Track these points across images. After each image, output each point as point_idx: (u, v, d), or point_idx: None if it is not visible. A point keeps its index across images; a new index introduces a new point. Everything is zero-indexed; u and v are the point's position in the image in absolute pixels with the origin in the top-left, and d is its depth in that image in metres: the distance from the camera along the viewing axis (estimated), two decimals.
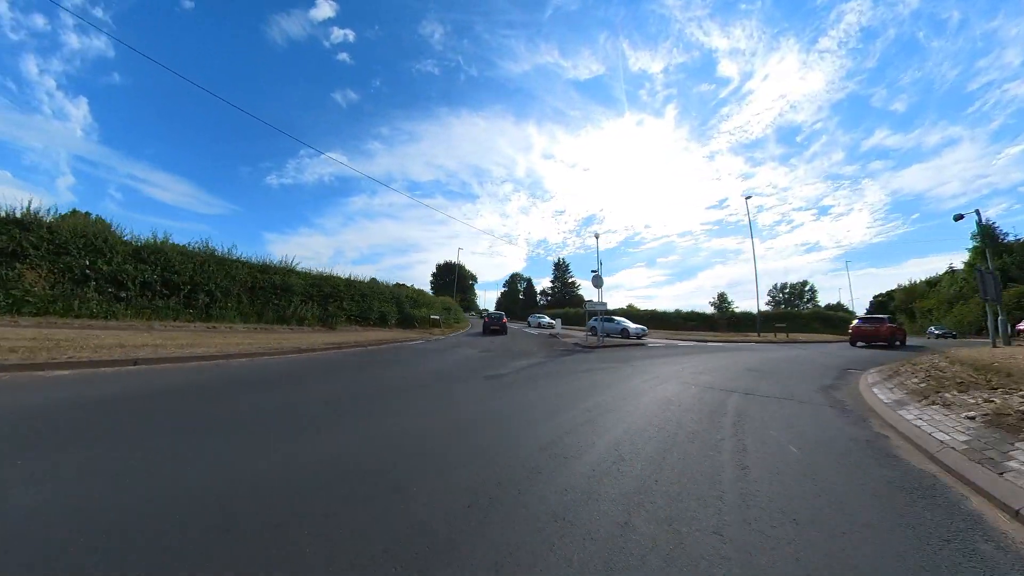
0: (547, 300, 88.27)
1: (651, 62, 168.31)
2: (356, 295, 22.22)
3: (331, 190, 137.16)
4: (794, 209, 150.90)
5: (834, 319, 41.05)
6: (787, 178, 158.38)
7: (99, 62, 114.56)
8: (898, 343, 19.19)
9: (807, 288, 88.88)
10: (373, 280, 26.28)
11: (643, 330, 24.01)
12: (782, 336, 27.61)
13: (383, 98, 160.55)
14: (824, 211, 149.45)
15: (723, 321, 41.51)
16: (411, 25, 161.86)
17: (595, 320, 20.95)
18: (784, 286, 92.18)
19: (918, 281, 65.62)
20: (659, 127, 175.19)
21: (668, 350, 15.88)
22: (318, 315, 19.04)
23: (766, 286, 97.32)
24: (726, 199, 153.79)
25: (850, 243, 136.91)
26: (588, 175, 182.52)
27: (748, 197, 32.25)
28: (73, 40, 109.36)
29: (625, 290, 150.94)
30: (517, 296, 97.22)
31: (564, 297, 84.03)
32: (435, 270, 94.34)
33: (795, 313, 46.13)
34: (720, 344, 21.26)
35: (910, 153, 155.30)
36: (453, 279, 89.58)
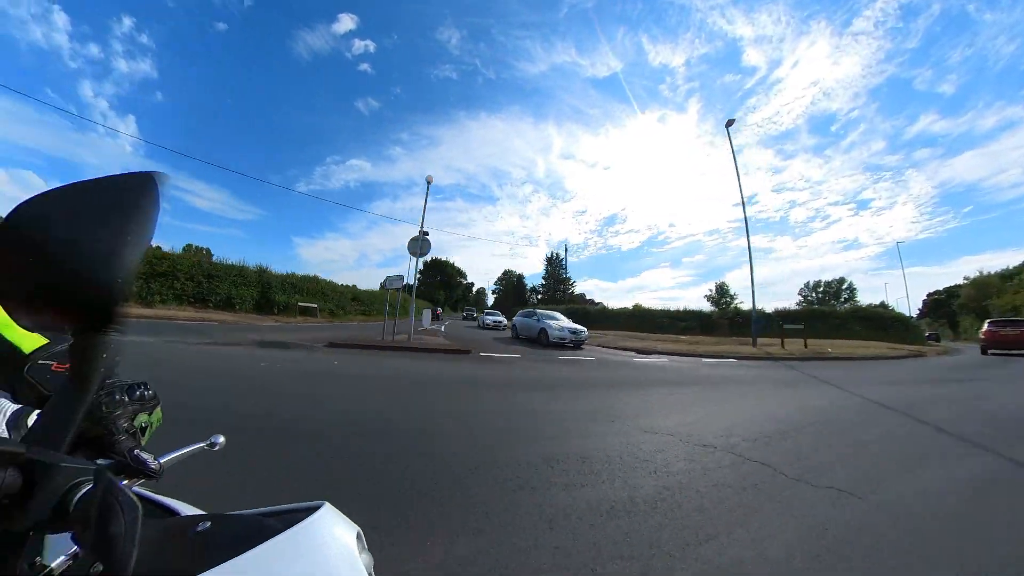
0: (538, 297, 79.62)
1: (672, 55, 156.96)
2: (198, 276, 21.41)
3: (356, 195, 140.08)
4: (830, 204, 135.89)
5: (883, 319, 29.84)
6: (821, 171, 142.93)
7: (144, 83, 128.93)
8: None
9: (844, 287, 76.16)
10: (240, 264, 24.69)
11: (578, 333, 15.28)
12: (796, 346, 16.99)
13: (403, 104, 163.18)
14: (863, 205, 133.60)
15: (724, 322, 30.96)
16: (428, 32, 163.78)
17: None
18: (818, 284, 79.73)
19: (989, 273, 52.27)
20: (682, 122, 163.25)
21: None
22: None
23: (798, 287, 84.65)
24: (755, 195, 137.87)
25: (894, 239, 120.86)
26: (609, 174, 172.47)
27: (730, 123, 21.71)
28: (123, 65, 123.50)
29: (649, 291, 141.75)
30: (514, 294, 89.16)
31: (556, 294, 74.93)
32: (422, 267, 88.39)
33: (826, 312, 34.72)
34: (683, 361, 11.45)
35: (961, 139, 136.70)
36: (442, 277, 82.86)
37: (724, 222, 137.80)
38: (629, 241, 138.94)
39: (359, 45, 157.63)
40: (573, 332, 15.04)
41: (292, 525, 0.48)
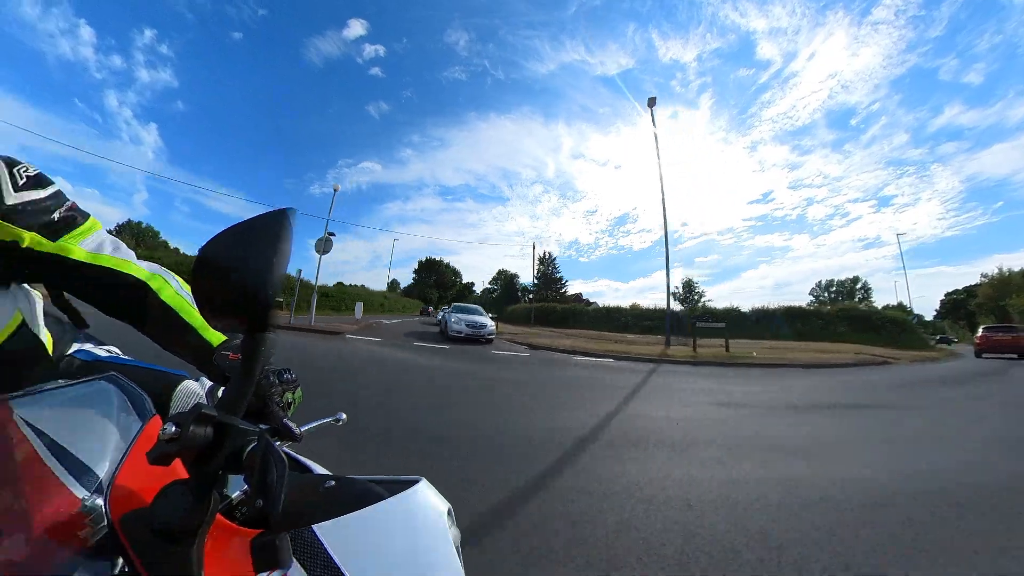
0: (530, 297, 77.29)
1: (683, 51, 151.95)
2: None
3: (368, 197, 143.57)
4: (849, 201, 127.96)
5: (872, 320, 26.26)
6: (840, 167, 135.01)
7: (165, 92, 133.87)
8: None
9: (859, 286, 71.24)
10: None
11: (478, 327, 15.36)
12: (717, 349, 14.03)
13: (414, 107, 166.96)
14: (885, 202, 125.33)
15: (692, 322, 27.79)
16: (437, 35, 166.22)
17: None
18: (830, 283, 74.87)
19: (1009, 271, 46.94)
20: (694, 118, 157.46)
21: None
22: None
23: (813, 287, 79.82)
24: (770, 192, 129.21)
25: (918, 237, 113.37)
26: (620, 173, 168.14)
27: (652, 101, 18.90)
28: (144, 75, 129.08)
29: (660, 291, 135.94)
30: (507, 294, 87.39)
31: (548, 293, 72.40)
32: (416, 267, 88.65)
33: (808, 312, 30.88)
34: (561, 357, 9.09)
35: (990, 131, 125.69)
36: (436, 277, 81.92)
37: (738, 220, 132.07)
38: (640, 241, 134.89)
39: (369, 50, 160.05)
40: (471, 326, 15.15)
41: (395, 494, 0.63)
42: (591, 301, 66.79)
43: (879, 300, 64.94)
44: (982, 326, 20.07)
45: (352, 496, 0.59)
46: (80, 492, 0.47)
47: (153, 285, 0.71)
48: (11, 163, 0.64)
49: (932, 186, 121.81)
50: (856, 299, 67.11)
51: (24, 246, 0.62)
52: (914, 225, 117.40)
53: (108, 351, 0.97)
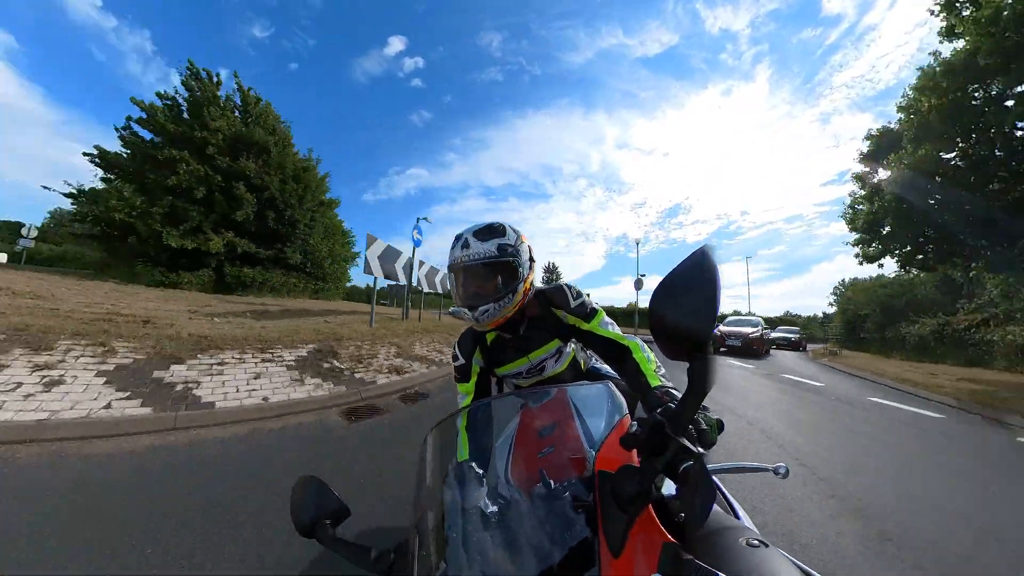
0: None
1: (733, 18, 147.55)
2: None
3: (416, 202, 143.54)
4: None
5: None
6: None
7: None
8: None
9: None
10: None
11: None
12: None
13: (453, 112, 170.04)
14: None
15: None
16: (470, 40, 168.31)
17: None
18: None
19: None
20: (750, 93, 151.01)
21: None
22: None
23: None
24: (848, 171, 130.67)
25: None
26: (669, 160, 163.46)
27: None
28: None
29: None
30: None
31: None
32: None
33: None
34: None
35: None
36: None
37: (809, 206, 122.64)
38: (695, 233, 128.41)
39: (409, 63, 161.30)
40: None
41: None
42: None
43: None
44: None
45: (771, 570, 0.60)
46: (587, 445, 0.83)
47: (632, 348, 1.34)
48: (568, 286, 1.52)
49: None
50: None
51: (574, 324, 1.50)
52: None
53: (607, 368, 1.80)
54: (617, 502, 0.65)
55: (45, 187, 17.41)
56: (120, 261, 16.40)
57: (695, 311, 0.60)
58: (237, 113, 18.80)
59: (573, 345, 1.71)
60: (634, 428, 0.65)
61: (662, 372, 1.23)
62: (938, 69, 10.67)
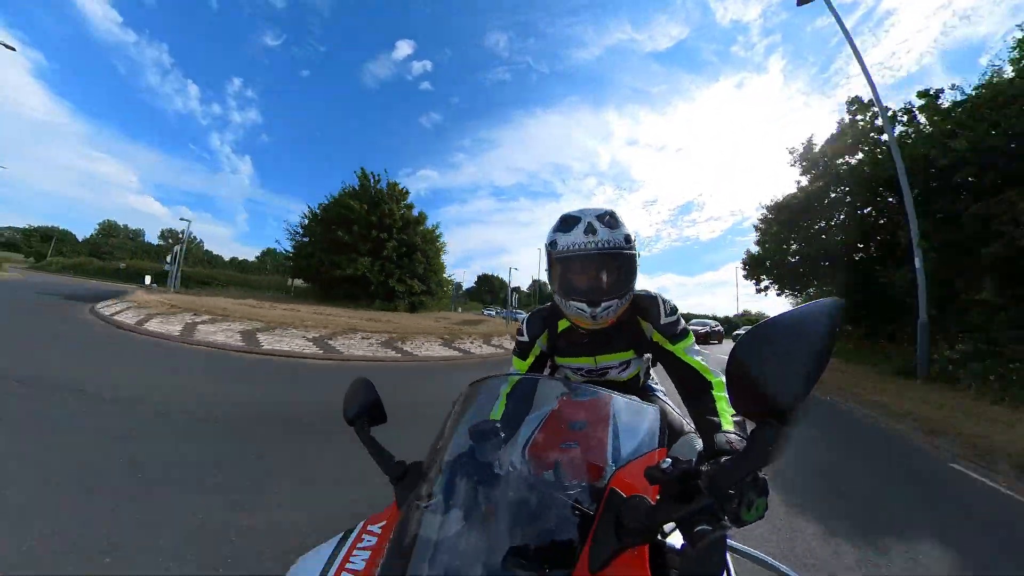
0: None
1: (744, 8, 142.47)
2: None
3: (427, 202, 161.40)
4: None
5: None
6: None
7: (254, 128, 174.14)
8: None
9: None
10: None
11: None
12: None
13: (462, 113, 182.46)
14: None
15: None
16: (477, 40, 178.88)
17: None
18: None
19: None
20: (764, 85, 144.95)
21: None
22: None
23: None
24: None
25: None
26: (680, 156, 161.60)
27: None
28: (237, 116, 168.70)
29: (731, 286, 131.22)
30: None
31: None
32: (475, 279, 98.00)
33: None
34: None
35: None
36: (489, 288, 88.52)
37: None
38: (709, 230, 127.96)
39: (418, 66, 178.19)
40: None
41: None
42: None
43: None
44: None
45: None
46: (610, 459, 0.83)
47: (715, 385, 1.20)
48: (663, 299, 1.36)
49: None
50: None
51: (658, 343, 1.35)
52: None
53: (662, 391, 1.71)
54: (617, 527, 0.63)
55: (165, 241, 30.48)
56: (319, 289, 26.79)
57: (789, 374, 0.48)
58: (383, 188, 29.39)
59: (645, 360, 1.59)
60: (666, 465, 0.59)
61: (737, 419, 1.05)
62: (767, 210, 20.56)
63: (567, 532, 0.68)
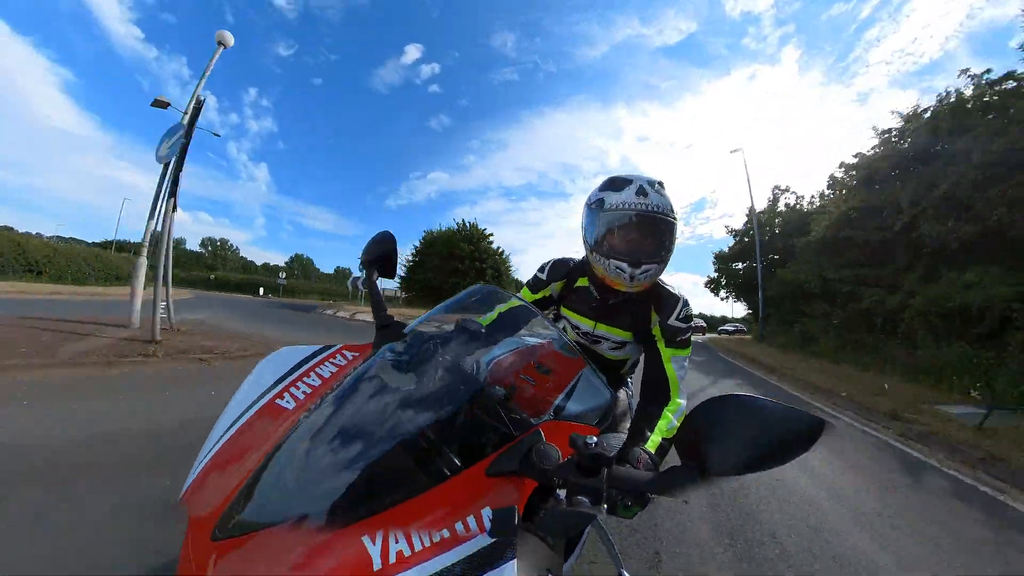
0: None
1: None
2: None
3: (437, 205, 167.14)
4: None
5: None
6: None
7: (269, 136, 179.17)
8: None
9: None
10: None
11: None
12: None
13: (471, 114, 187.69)
14: None
15: None
16: (484, 41, 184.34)
17: None
18: None
19: None
20: (777, 77, 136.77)
21: None
22: None
23: None
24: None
25: None
26: (691, 152, 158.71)
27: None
28: (253, 125, 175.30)
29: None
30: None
31: None
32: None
33: None
34: None
35: None
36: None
37: None
38: (723, 228, 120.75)
39: (426, 70, 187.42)
40: None
41: None
42: None
43: None
44: None
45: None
46: (551, 410, 0.98)
47: (671, 405, 1.19)
48: (685, 304, 1.31)
49: None
50: None
51: (654, 336, 1.32)
52: None
53: (632, 392, 1.69)
54: (524, 457, 0.69)
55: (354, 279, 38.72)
56: (419, 301, 35.14)
57: (735, 454, 0.52)
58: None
59: (638, 352, 1.58)
60: (591, 440, 0.63)
61: (664, 443, 1.04)
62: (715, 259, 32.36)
63: (487, 438, 0.81)
